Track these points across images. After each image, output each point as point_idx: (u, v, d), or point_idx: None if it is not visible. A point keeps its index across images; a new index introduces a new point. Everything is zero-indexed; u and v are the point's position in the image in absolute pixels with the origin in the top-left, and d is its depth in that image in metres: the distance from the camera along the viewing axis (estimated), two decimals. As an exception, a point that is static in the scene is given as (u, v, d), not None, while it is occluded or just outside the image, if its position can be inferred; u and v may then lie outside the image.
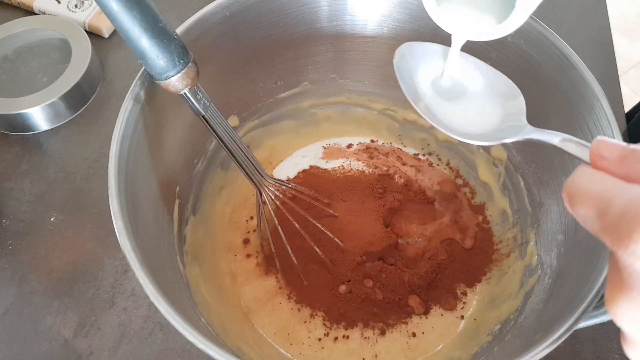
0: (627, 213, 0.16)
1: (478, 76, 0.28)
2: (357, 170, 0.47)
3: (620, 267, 0.17)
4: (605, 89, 0.32)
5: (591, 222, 0.18)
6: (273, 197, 0.40)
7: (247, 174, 0.38)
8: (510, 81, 0.27)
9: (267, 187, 0.39)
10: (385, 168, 0.47)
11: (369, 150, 0.48)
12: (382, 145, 0.49)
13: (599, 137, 0.20)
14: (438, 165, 0.48)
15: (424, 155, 0.48)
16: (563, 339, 0.26)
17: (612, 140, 0.19)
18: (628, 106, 0.54)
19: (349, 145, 0.48)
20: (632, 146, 0.19)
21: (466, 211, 0.45)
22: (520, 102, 0.26)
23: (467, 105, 0.27)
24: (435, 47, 0.29)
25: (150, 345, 0.39)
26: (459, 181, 0.47)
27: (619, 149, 0.19)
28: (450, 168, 0.47)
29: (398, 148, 0.48)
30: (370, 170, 0.47)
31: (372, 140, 0.49)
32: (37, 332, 0.39)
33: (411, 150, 0.48)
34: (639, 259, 0.16)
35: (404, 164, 0.48)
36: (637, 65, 1.23)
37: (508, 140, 0.25)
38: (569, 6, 0.57)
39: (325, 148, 0.48)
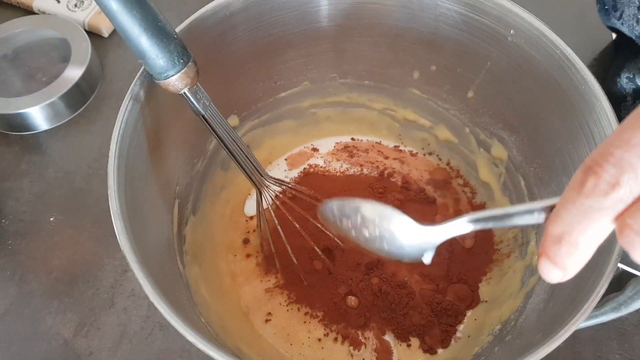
0: None
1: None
2: (357, 170, 0.47)
3: None
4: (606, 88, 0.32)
5: None
6: (273, 197, 0.40)
7: (247, 174, 0.38)
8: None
9: (267, 187, 0.39)
10: (369, 164, 0.47)
11: (348, 149, 0.48)
12: (360, 142, 0.48)
13: None
14: (425, 156, 0.47)
15: (400, 140, 0.48)
16: (563, 339, 0.26)
17: None
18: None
19: (315, 149, 0.48)
20: None
21: (466, 209, 0.45)
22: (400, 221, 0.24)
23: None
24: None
25: (149, 345, 0.39)
26: (459, 181, 0.47)
27: None
28: (451, 168, 0.47)
29: (377, 142, 0.48)
30: (353, 168, 0.47)
31: (352, 139, 0.49)
32: (37, 333, 0.39)
33: (390, 143, 0.48)
34: None
35: (386, 158, 0.47)
36: (637, 65, 1.23)
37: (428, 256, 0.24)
38: (569, 6, 0.57)
39: (287, 159, 0.48)
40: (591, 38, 0.54)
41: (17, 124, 0.48)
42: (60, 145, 0.48)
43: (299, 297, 0.41)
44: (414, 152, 0.48)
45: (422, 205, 0.44)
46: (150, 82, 0.33)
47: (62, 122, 0.49)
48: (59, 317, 0.40)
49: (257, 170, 0.38)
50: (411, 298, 0.40)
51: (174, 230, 0.38)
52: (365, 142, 0.48)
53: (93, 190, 0.46)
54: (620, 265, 0.29)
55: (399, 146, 0.48)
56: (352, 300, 0.40)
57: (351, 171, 0.47)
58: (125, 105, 0.31)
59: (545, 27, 0.34)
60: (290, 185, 0.43)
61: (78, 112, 0.50)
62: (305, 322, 0.40)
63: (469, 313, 0.40)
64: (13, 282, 0.41)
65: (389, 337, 0.39)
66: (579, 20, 0.56)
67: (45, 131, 0.49)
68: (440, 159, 0.48)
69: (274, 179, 0.40)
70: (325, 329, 0.40)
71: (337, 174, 0.47)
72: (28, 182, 0.46)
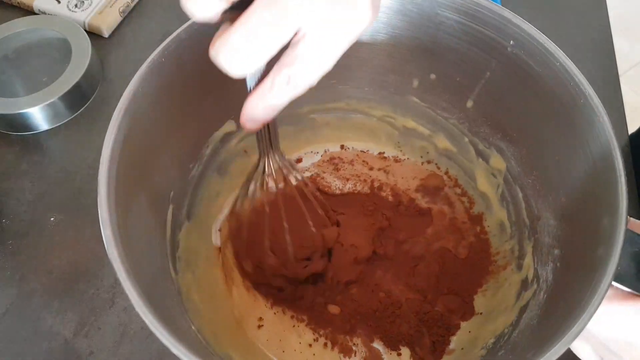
0: None
1: None
2: (351, 186, 0.46)
3: None
4: (606, 88, 0.32)
5: None
6: (272, 183, 0.36)
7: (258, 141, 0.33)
8: None
9: (272, 164, 0.34)
10: (355, 177, 0.46)
11: (334, 162, 0.47)
12: (345, 152, 0.48)
13: None
14: (424, 165, 0.47)
15: (399, 148, 0.47)
16: (555, 358, 0.26)
17: None
18: (628, 105, 0.52)
19: (299, 160, 0.47)
20: None
21: (463, 219, 0.44)
22: None
23: None
24: None
25: (150, 345, 0.39)
26: (457, 190, 0.46)
27: None
28: (449, 177, 0.47)
29: (361, 151, 0.48)
30: (348, 184, 0.46)
31: (342, 146, 0.48)
32: (37, 332, 0.40)
33: (375, 150, 0.48)
34: None
35: (371, 169, 0.47)
36: (637, 65, 1.20)
37: None
38: (569, 6, 0.56)
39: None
40: (591, 38, 0.53)
41: (18, 124, 0.48)
42: (60, 145, 0.49)
43: (290, 305, 0.41)
44: (398, 157, 0.47)
45: (412, 219, 0.44)
46: (148, 82, 0.32)
47: (63, 122, 0.50)
48: (60, 316, 0.40)
49: (270, 143, 0.33)
50: (397, 307, 0.40)
51: (167, 236, 0.38)
52: (351, 150, 0.48)
53: (93, 190, 0.45)
54: (615, 284, 0.28)
55: (383, 153, 0.48)
56: (333, 308, 0.40)
57: (347, 187, 0.46)
58: (120, 108, 0.31)
59: (545, 39, 0.33)
60: (299, 178, 0.38)
61: (78, 112, 0.50)
62: (294, 326, 0.40)
63: (463, 325, 0.40)
64: (13, 282, 0.42)
65: (378, 345, 0.39)
66: (579, 20, 0.54)
67: (46, 131, 0.49)
68: (438, 167, 0.47)
69: (286, 159, 0.35)
70: (314, 334, 0.40)
71: (336, 192, 0.46)
72: (29, 182, 0.47)
